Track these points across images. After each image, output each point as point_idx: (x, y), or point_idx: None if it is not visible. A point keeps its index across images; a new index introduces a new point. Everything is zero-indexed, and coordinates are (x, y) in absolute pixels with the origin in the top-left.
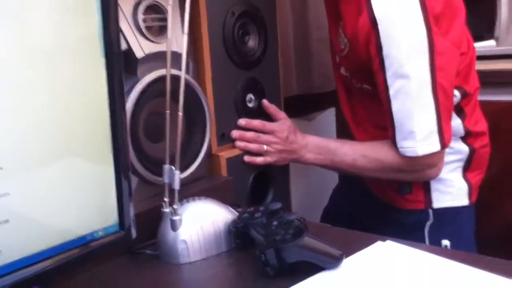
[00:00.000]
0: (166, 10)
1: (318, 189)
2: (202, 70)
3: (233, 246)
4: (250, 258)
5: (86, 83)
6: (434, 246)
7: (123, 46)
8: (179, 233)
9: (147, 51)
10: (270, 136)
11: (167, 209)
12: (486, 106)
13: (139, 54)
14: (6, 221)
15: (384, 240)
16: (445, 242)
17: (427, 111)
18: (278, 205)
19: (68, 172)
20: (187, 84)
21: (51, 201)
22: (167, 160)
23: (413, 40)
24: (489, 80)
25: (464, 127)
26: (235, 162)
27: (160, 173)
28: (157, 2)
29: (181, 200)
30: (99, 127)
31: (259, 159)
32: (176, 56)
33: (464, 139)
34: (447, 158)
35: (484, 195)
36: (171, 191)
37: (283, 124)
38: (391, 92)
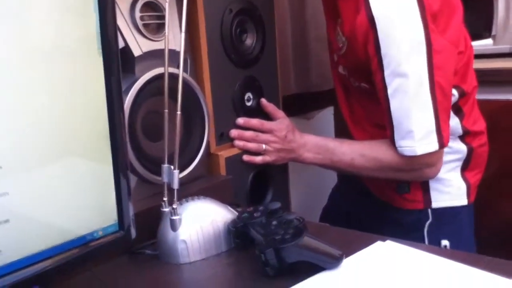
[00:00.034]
0: (164, 8)
1: (317, 189)
2: (200, 68)
3: (233, 246)
4: (250, 258)
5: (86, 83)
6: (434, 246)
7: (121, 44)
8: (179, 233)
9: (144, 49)
10: (269, 135)
11: (166, 209)
12: (483, 105)
13: (136, 52)
14: (6, 221)
15: (384, 240)
16: (445, 242)
17: (425, 110)
18: (277, 205)
19: (67, 172)
20: (185, 83)
21: (51, 201)
22: (166, 160)
23: (411, 38)
24: (487, 79)
25: (462, 126)
26: (234, 161)
27: (159, 172)
28: None
29: (180, 199)
30: (98, 126)
31: (258, 158)
32: (174, 54)
33: (462, 138)
34: (446, 157)
35: (482, 194)
36: (170, 190)
37: (281, 123)
38: (389, 91)
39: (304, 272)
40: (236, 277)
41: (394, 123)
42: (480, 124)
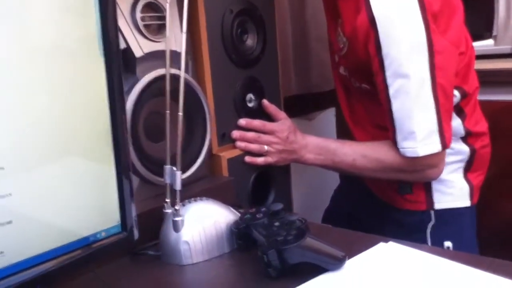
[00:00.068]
0: (165, 8)
1: (319, 190)
2: (201, 69)
3: (235, 247)
4: (252, 259)
5: (86, 83)
6: (437, 247)
7: (122, 45)
8: (181, 234)
9: (145, 50)
10: (271, 136)
11: (169, 210)
12: (485, 106)
13: (137, 53)
14: (9, 222)
15: (386, 241)
16: (447, 244)
17: (427, 110)
18: (279, 206)
19: (69, 173)
20: (187, 84)
21: (53, 202)
22: (168, 161)
23: (412, 39)
24: (488, 79)
25: (464, 127)
26: (236, 163)
27: (161, 173)
28: (155, 0)
29: (182, 200)
30: (99, 127)
31: (260, 160)
32: (175, 55)
33: (464, 139)
34: (448, 158)
35: (484, 195)
36: (173, 191)
37: (283, 124)
38: (391, 91)
39: (306, 273)
40: (238, 278)
41: (396, 124)
42: (482, 125)
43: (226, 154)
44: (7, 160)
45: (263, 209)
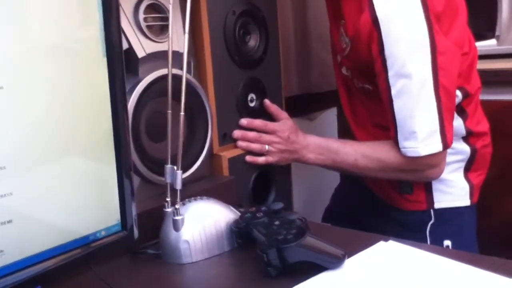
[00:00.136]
0: (167, 9)
1: (320, 189)
2: (203, 69)
3: (235, 246)
4: (252, 258)
5: (88, 84)
6: (437, 246)
7: (124, 45)
8: (182, 233)
9: (148, 51)
10: (272, 136)
11: (169, 209)
12: (487, 106)
13: (140, 53)
14: (9, 221)
15: (386, 240)
16: (447, 243)
17: (429, 111)
18: (280, 205)
19: (70, 172)
20: (189, 84)
21: (53, 201)
22: (169, 160)
23: (415, 39)
24: (490, 79)
25: (466, 127)
26: (237, 162)
27: (161, 173)
28: (158, 1)
29: (183, 200)
30: (101, 127)
31: (260, 159)
32: (177, 55)
33: (465, 139)
34: (449, 158)
35: (484, 194)
36: (173, 191)
37: (284, 124)
38: (393, 91)
39: (306, 272)
40: (238, 277)
41: (398, 123)
42: (483, 125)
43: (227, 154)
44: (8, 160)
45: (263, 208)
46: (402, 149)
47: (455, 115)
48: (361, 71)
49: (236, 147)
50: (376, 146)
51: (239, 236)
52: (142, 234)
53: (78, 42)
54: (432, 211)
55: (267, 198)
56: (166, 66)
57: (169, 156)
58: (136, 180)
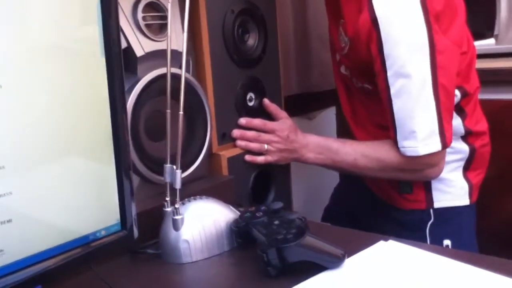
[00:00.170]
0: (166, 8)
1: (319, 189)
2: (202, 68)
3: (235, 246)
4: (252, 258)
5: (87, 83)
6: (436, 246)
7: (123, 44)
8: (181, 233)
9: (147, 50)
10: (271, 135)
11: (168, 209)
12: (485, 105)
13: (139, 52)
14: (9, 220)
15: (386, 239)
16: (446, 242)
17: (428, 110)
18: (279, 205)
19: (70, 172)
20: (188, 83)
21: (53, 201)
22: (168, 159)
23: (414, 39)
24: (489, 78)
25: (465, 126)
26: (236, 161)
27: (161, 172)
28: (157, 0)
29: (182, 199)
30: (100, 126)
31: (260, 158)
32: (176, 54)
33: (464, 138)
34: (448, 157)
35: (484, 193)
36: (173, 190)
37: (283, 123)
38: (392, 91)
39: (306, 271)
40: (238, 276)
41: (397, 123)
42: (482, 124)
43: (226, 153)
44: (8, 159)
45: (263, 207)
46: (402, 149)
47: (454, 114)
48: (360, 70)
49: (235, 146)
50: (376, 145)
51: (239, 236)
52: (141, 234)
53: (78, 41)
54: (431, 210)
55: (266, 197)
56: (165, 65)
57: (169, 156)
58: (135, 179)
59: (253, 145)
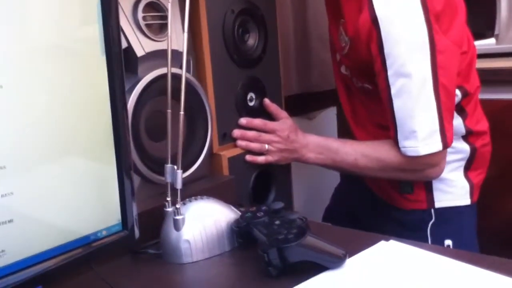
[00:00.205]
0: (166, 8)
1: (320, 189)
2: (203, 68)
3: (236, 246)
4: (253, 258)
5: (87, 83)
6: (438, 246)
7: (123, 44)
8: (182, 233)
9: (147, 50)
10: (272, 135)
11: (169, 209)
12: (486, 105)
13: (139, 52)
14: (10, 220)
15: (387, 239)
16: (447, 242)
17: (429, 110)
18: (280, 205)
19: (71, 172)
20: (188, 83)
21: (54, 201)
22: (169, 159)
23: (415, 38)
24: (489, 78)
25: (465, 126)
26: (237, 161)
27: (162, 172)
28: (157, 0)
29: (183, 199)
30: (101, 126)
31: (260, 158)
32: (177, 54)
33: (465, 138)
34: (449, 157)
35: (484, 193)
36: (174, 190)
37: (284, 123)
38: (393, 91)
39: (307, 272)
40: (239, 276)
41: (397, 123)
42: (483, 124)
43: (227, 153)
44: (8, 160)
45: (264, 207)
46: (402, 149)
47: (455, 114)
48: (361, 70)
49: (236, 146)
50: (376, 145)
51: (240, 236)
52: (142, 234)
53: (78, 41)
54: (432, 210)
55: (267, 197)
56: (166, 65)
57: (169, 156)
58: (136, 179)
59: (254, 145)
